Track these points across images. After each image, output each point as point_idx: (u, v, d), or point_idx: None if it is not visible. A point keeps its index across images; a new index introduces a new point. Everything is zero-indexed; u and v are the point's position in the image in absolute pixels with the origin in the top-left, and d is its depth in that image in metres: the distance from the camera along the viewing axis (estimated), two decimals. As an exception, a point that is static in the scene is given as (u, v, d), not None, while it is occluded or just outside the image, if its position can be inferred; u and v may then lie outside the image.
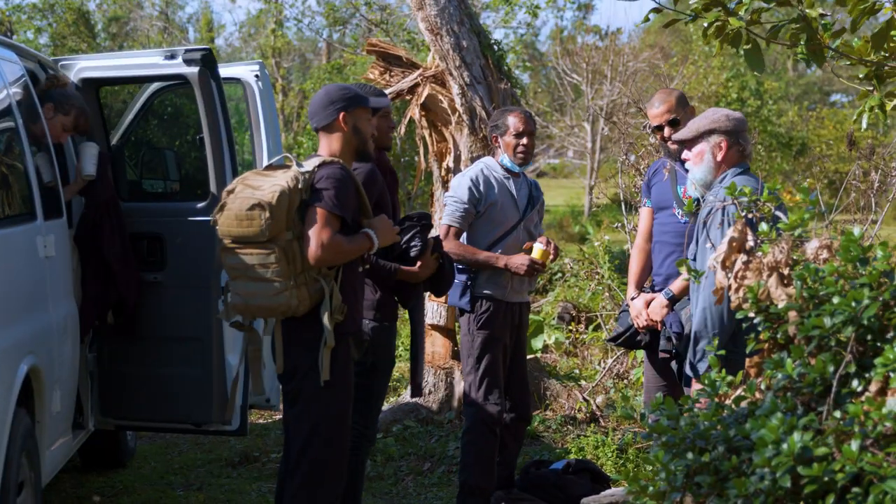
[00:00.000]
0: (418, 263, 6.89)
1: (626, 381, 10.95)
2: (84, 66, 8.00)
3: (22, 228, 6.47)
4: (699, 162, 6.57)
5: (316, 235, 5.95)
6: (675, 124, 7.30)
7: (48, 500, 8.04)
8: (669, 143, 7.33)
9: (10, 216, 6.35)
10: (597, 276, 12.68)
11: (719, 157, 6.51)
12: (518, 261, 7.65)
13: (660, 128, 7.37)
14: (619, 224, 12.05)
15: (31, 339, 6.29)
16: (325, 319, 6.00)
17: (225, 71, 8.05)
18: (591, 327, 12.79)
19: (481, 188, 7.73)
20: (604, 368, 11.23)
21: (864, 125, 6.39)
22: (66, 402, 7.00)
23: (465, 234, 7.82)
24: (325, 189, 6.01)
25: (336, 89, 6.34)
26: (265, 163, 8.40)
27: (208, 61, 7.56)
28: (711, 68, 34.32)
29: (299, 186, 5.99)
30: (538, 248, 7.67)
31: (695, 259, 6.41)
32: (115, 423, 8.03)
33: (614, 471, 8.85)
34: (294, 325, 6.11)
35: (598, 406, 10.28)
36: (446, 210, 7.81)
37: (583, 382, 11.02)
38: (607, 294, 12.41)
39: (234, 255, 6.02)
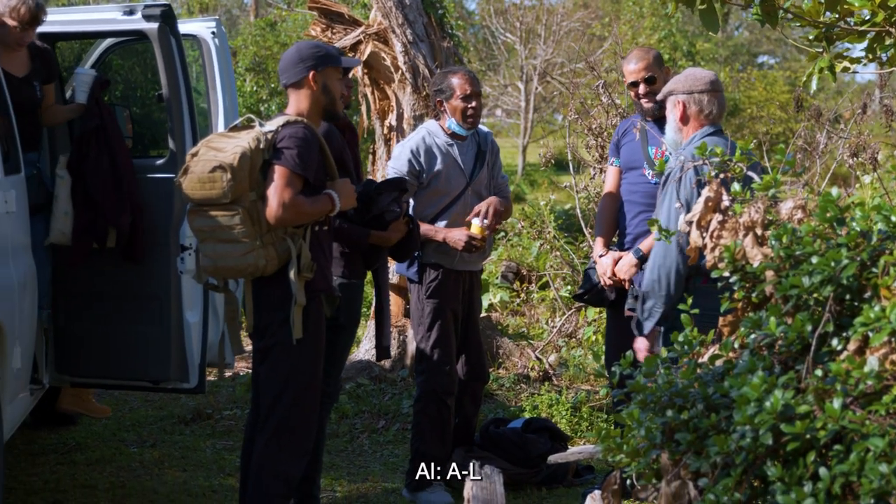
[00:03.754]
0: (390, 227, 6.92)
1: (575, 339, 11.02)
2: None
3: (-17, 184, 6.42)
4: (668, 122, 6.63)
5: (277, 195, 5.95)
6: (651, 82, 7.31)
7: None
8: (644, 101, 7.36)
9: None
10: (546, 236, 12.73)
11: (678, 117, 6.54)
12: (456, 236, 7.57)
13: (635, 84, 7.39)
14: (567, 184, 12.08)
15: (-6, 295, 6.26)
16: (293, 277, 6.01)
17: (181, 28, 7.97)
18: (538, 286, 12.85)
19: (422, 159, 7.62)
20: (553, 327, 11.29)
21: (813, 86, 6.46)
22: (25, 358, 6.95)
23: (411, 204, 7.78)
24: (288, 148, 6.01)
25: (307, 47, 6.33)
26: (220, 122, 8.38)
27: (168, 17, 7.48)
28: (643, 28, 34.37)
29: (261, 147, 5.99)
30: (476, 224, 7.58)
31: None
32: (71, 381, 7.97)
33: (569, 429, 8.94)
34: (264, 284, 6.13)
35: (550, 365, 10.34)
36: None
37: (532, 341, 11.07)
38: (556, 253, 12.46)
39: (201, 218, 6.04)
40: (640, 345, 6.46)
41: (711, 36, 46.84)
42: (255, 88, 22.62)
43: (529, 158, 34.10)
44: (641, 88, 7.35)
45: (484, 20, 38.40)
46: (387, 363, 10.02)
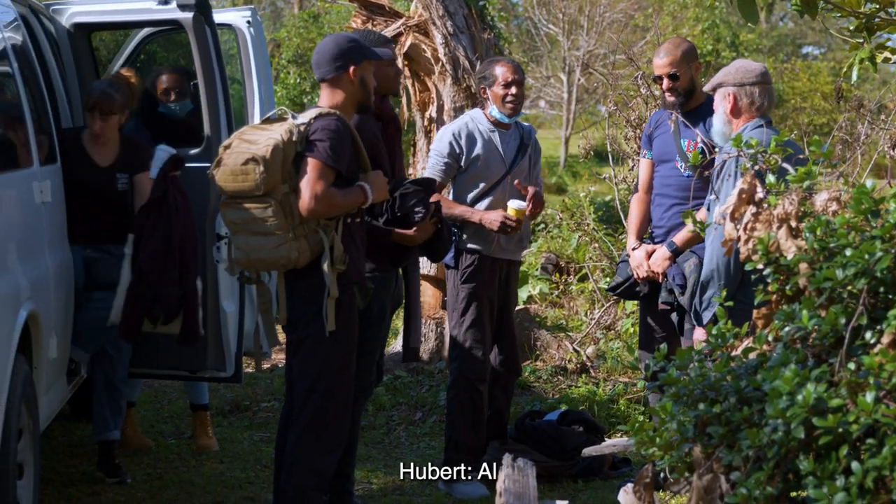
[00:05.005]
0: (415, 227, 6.88)
1: (614, 331, 10.98)
2: (76, 11, 7.92)
3: (19, 174, 6.43)
4: (717, 113, 6.63)
5: (310, 187, 5.96)
6: (674, 79, 7.30)
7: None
8: (668, 95, 7.33)
9: (7, 161, 6.30)
10: (585, 228, 12.69)
11: (728, 109, 6.54)
12: (491, 216, 7.59)
13: (660, 78, 7.37)
14: (606, 176, 12.04)
15: (30, 285, 6.25)
16: (326, 269, 6.01)
17: (216, 17, 7.96)
18: (576, 278, 12.82)
19: (463, 142, 7.67)
20: (591, 319, 11.26)
21: (854, 77, 6.40)
22: (61, 348, 6.97)
23: (450, 188, 7.81)
24: (321, 141, 6.01)
25: (346, 41, 6.31)
26: (256, 112, 8.37)
27: (203, 6, 7.48)
28: (686, 19, 34.20)
29: (294, 139, 5.99)
30: (512, 206, 7.60)
31: (709, 209, 6.47)
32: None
33: (605, 421, 8.91)
34: (297, 277, 6.14)
35: (588, 357, 10.31)
36: (428, 163, 7.81)
37: (570, 333, 11.04)
38: (595, 245, 12.42)
39: (234, 210, 6.06)
40: (699, 335, 6.44)
41: (755, 26, 46.51)
42: (298, 80, 22.62)
43: (572, 150, 34.06)
44: (665, 84, 7.33)
45: (527, 11, 38.33)
46: (425, 355, 10.00)
